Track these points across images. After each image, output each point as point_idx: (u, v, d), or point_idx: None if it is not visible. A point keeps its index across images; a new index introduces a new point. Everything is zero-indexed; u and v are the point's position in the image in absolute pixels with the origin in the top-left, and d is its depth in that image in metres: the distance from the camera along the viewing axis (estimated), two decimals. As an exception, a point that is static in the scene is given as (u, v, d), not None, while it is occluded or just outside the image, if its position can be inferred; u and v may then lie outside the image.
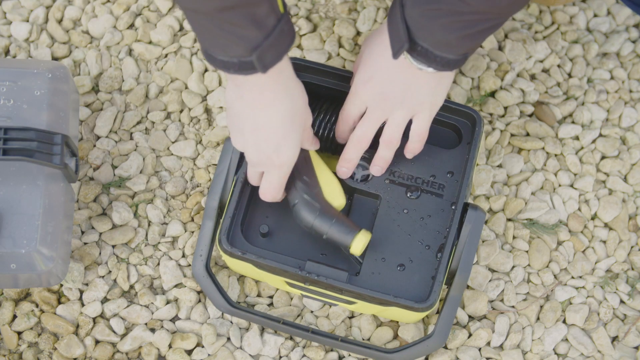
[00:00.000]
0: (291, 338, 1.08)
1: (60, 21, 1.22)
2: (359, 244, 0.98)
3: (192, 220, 1.12)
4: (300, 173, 0.99)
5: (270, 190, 0.97)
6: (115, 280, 1.09)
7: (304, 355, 1.07)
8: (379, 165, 1.03)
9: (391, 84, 0.95)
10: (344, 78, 1.05)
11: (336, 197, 1.01)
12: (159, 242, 1.11)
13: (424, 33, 0.87)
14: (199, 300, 1.09)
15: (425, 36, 0.87)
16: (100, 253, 1.10)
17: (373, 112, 0.98)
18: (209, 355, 1.06)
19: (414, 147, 1.02)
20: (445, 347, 1.08)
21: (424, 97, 0.96)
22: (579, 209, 1.15)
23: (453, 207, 1.03)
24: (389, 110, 0.97)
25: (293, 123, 0.91)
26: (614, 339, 1.10)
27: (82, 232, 1.11)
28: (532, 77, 1.21)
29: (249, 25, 0.80)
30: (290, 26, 0.85)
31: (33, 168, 0.98)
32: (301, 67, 1.06)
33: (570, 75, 1.21)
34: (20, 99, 1.00)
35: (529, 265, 1.12)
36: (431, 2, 0.85)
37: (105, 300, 1.09)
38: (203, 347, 1.07)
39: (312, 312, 1.09)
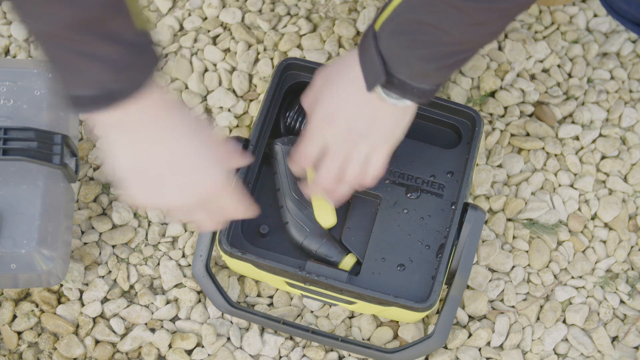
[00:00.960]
0: (291, 338, 1.08)
1: (60, 21, 1.22)
2: (344, 267, 1.01)
3: (192, 220, 1.12)
4: (292, 192, 1.01)
5: (239, 207, 0.89)
6: (115, 280, 1.09)
7: (304, 355, 1.07)
8: (338, 198, 0.97)
9: (357, 119, 0.90)
10: None
11: (327, 217, 1.02)
12: (159, 242, 1.11)
13: (401, 65, 0.83)
14: (199, 300, 1.09)
15: (403, 68, 0.83)
16: (100, 253, 1.10)
17: (336, 151, 0.92)
18: (209, 355, 1.06)
19: (369, 183, 0.96)
20: (445, 347, 1.08)
21: (387, 131, 0.91)
22: (579, 209, 1.15)
23: (453, 207, 1.03)
24: (353, 146, 0.91)
25: (207, 143, 0.82)
26: (614, 339, 1.10)
27: (82, 232, 1.11)
28: (532, 77, 1.21)
29: (104, 44, 0.71)
30: (152, 47, 0.75)
31: (33, 168, 0.98)
32: (301, 67, 1.06)
33: (570, 75, 1.21)
34: (21, 99, 1.00)
35: (529, 265, 1.12)
36: (410, 33, 0.81)
37: (105, 300, 1.09)
38: (203, 347, 1.07)
39: (312, 312, 1.09)
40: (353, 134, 0.90)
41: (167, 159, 0.78)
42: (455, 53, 0.81)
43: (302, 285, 1.00)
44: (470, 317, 1.10)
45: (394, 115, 0.90)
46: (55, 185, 1.00)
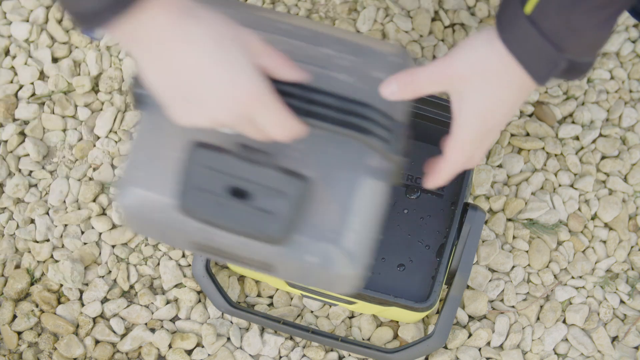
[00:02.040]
0: (291, 338, 1.08)
1: (60, 21, 1.22)
2: None
3: (192, 220, 1.12)
4: None
5: (279, 127, 0.74)
6: (115, 280, 1.09)
7: (304, 355, 1.07)
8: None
9: (509, 114, 0.80)
10: None
11: None
12: (158, 242, 1.11)
13: (573, 41, 0.72)
14: (199, 300, 1.09)
15: (574, 44, 0.72)
16: (100, 253, 1.10)
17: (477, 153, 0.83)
18: (209, 355, 1.06)
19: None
20: (445, 347, 1.08)
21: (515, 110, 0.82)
22: (579, 209, 1.15)
23: (453, 207, 1.03)
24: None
25: (230, 48, 0.69)
26: (614, 339, 1.10)
27: (82, 232, 1.11)
28: (532, 77, 1.21)
29: None
30: None
31: (356, 157, 0.83)
32: None
33: (570, 75, 1.21)
34: (362, 79, 0.84)
35: (529, 265, 1.12)
36: (581, 2, 0.70)
37: (105, 300, 1.09)
38: (203, 347, 1.07)
39: (312, 312, 1.09)
40: (498, 125, 0.80)
41: (188, 71, 0.69)
42: (617, 11, 0.72)
43: (302, 285, 1.00)
44: (470, 317, 1.10)
45: (530, 92, 0.81)
46: (373, 183, 0.85)
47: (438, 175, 0.82)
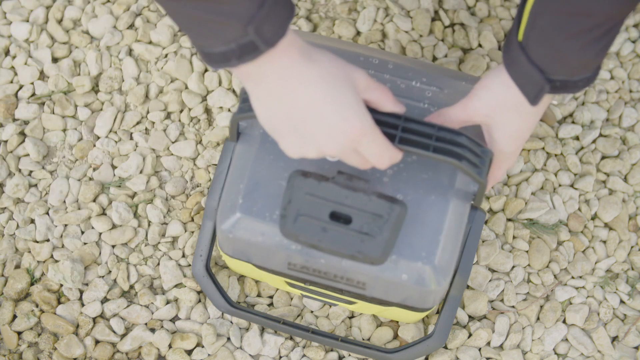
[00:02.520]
0: (291, 338, 1.08)
1: (60, 21, 1.22)
2: None
3: (192, 220, 1.12)
4: None
5: (381, 157, 0.83)
6: (115, 280, 1.09)
7: (304, 355, 1.07)
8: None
9: (526, 132, 0.90)
10: None
11: None
12: (158, 242, 1.11)
13: (559, 66, 0.80)
14: (199, 300, 1.09)
15: (561, 68, 0.80)
16: (100, 253, 1.10)
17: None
18: (209, 355, 1.06)
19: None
20: (445, 347, 1.08)
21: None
22: (579, 209, 1.15)
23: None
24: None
25: (338, 87, 0.78)
26: (614, 339, 1.10)
27: (82, 232, 1.11)
28: (532, 77, 1.21)
29: None
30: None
31: (444, 181, 0.92)
32: None
33: (570, 75, 1.21)
34: (444, 108, 0.93)
35: (529, 265, 1.12)
36: (560, 31, 0.76)
37: (105, 300, 1.09)
38: (203, 347, 1.07)
39: (312, 312, 1.09)
40: (520, 146, 0.92)
41: (303, 108, 0.77)
42: (606, 33, 0.77)
43: (302, 285, 1.00)
44: (470, 317, 1.10)
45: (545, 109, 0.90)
46: (461, 205, 0.93)
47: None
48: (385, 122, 0.84)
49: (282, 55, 0.75)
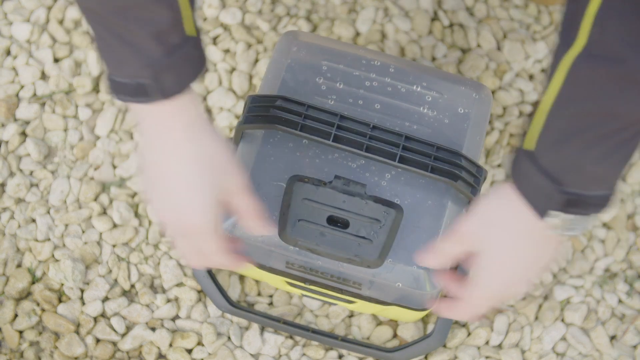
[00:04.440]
0: (291, 337, 1.08)
1: (61, 22, 1.22)
2: None
3: (193, 219, 1.13)
4: None
5: (209, 256, 0.82)
6: (115, 280, 1.10)
7: (303, 354, 1.07)
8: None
9: (535, 266, 0.79)
10: None
11: None
12: (159, 242, 1.12)
13: (573, 175, 0.70)
14: (199, 299, 1.09)
15: (575, 178, 0.70)
16: (100, 252, 1.11)
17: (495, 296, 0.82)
18: (209, 354, 1.07)
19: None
20: (445, 346, 1.08)
21: (549, 261, 0.80)
22: (578, 209, 1.15)
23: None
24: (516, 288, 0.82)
25: (203, 178, 0.76)
26: (613, 337, 1.10)
27: (83, 232, 1.11)
28: (531, 77, 1.21)
29: (147, 36, 0.70)
30: (198, 55, 0.74)
31: (441, 185, 0.92)
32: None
33: (569, 76, 1.22)
34: (444, 113, 0.95)
35: (527, 264, 1.12)
36: (578, 134, 0.68)
37: (106, 299, 1.09)
38: (203, 346, 1.07)
39: (311, 311, 1.10)
40: (521, 278, 0.80)
41: (162, 174, 0.76)
42: (628, 140, 0.68)
43: (302, 285, 1.01)
44: (470, 316, 1.10)
45: (559, 243, 0.79)
46: (457, 209, 0.93)
47: (451, 312, 0.85)
48: (380, 138, 0.87)
49: (172, 114, 0.74)
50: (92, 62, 1.19)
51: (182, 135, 0.75)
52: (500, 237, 0.76)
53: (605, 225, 1.15)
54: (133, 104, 0.74)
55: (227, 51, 1.21)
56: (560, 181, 0.70)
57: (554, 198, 0.70)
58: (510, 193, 0.74)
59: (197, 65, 0.74)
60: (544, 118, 0.70)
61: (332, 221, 0.88)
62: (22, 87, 1.18)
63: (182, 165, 0.75)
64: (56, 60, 1.20)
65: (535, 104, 0.71)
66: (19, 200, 1.13)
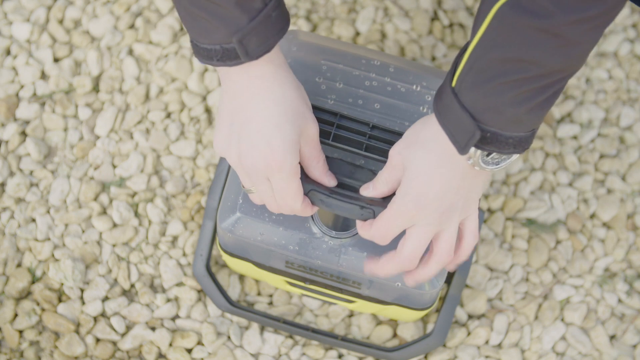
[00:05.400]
0: (291, 337, 1.08)
1: (61, 21, 1.22)
2: None
3: (193, 219, 1.13)
4: None
5: (285, 197, 0.84)
6: (115, 279, 1.10)
7: (303, 354, 1.07)
8: (420, 280, 0.87)
9: (449, 194, 0.80)
10: None
11: None
12: (159, 241, 1.12)
13: (491, 115, 0.73)
14: (199, 299, 1.09)
15: (494, 118, 0.73)
16: (100, 252, 1.11)
17: (425, 231, 0.82)
18: (209, 353, 1.07)
19: (464, 257, 0.87)
20: (444, 346, 1.08)
21: (478, 193, 0.82)
22: (578, 208, 1.15)
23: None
24: (445, 222, 0.82)
25: (286, 117, 0.80)
26: (612, 337, 1.10)
27: (83, 231, 1.11)
28: (531, 77, 1.21)
29: (229, 5, 0.74)
30: (280, 14, 0.77)
31: None
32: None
33: (568, 75, 1.22)
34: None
35: (527, 264, 1.12)
36: (496, 76, 0.71)
37: (105, 299, 1.09)
38: (203, 345, 1.07)
39: (311, 310, 1.10)
40: (445, 211, 0.81)
41: (247, 114, 0.81)
42: (546, 87, 0.72)
43: (302, 284, 1.01)
44: (469, 316, 1.10)
45: (485, 178, 0.82)
46: None
47: (368, 232, 0.86)
48: (379, 138, 0.88)
49: (256, 67, 0.78)
50: (92, 62, 1.19)
51: (267, 82, 0.80)
52: (420, 155, 0.79)
53: (605, 224, 1.15)
54: (219, 66, 0.78)
55: (227, 51, 1.21)
56: (479, 119, 0.74)
57: (472, 133, 0.74)
58: (435, 122, 0.78)
59: (279, 24, 0.77)
60: (466, 59, 0.74)
61: (342, 187, 0.87)
62: (22, 86, 1.18)
63: (269, 106, 0.80)
64: (56, 60, 1.20)
65: (466, 45, 0.74)
66: (19, 200, 1.13)
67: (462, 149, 0.75)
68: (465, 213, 0.82)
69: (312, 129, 0.83)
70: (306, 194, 0.86)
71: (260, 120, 0.80)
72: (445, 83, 0.76)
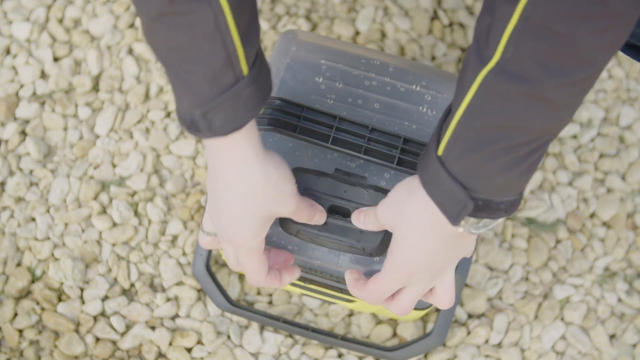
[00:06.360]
0: (291, 336, 1.08)
1: (61, 21, 1.22)
2: None
3: (192, 218, 1.13)
4: None
5: (247, 271, 0.85)
6: (115, 279, 1.10)
7: (303, 353, 1.07)
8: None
9: (438, 258, 0.80)
10: None
11: None
12: (159, 241, 1.12)
13: (482, 183, 0.72)
14: (199, 298, 1.09)
15: (484, 186, 0.72)
16: (100, 251, 1.11)
17: (420, 286, 0.83)
18: (209, 353, 1.07)
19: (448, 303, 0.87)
20: (444, 345, 1.08)
21: (463, 253, 0.82)
22: (578, 208, 1.15)
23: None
24: (440, 277, 0.83)
25: (255, 201, 0.79)
26: (612, 336, 1.10)
27: (83, 231, 1.11)
28: (531, 76, 1.21)
29: (198, 76, 0.70)
30: (255, 91, 0.73)
31: None
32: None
33: (568, 75, 1.22)
34: (442, 111, 0.94)
35: (527, 263, 1.13)
36: (486, 144, 0.70)
37: (105, 298, 1.09)
38: (203, 344, 1.07)
39: (311, 310, 1.10)
40: (438, 272, 0.81)
41: (221, 196, 0.80)
42: (535, 150, 0.71)
43: (301, 284, 1.01)
44: (469, 315, 1.10)
45: (473, 241, 0.82)
46: None
47: (361, 292, 0.86)
48: (378, 140, 0.89)
49: (229, 142, 0.75)
50: (92, 61, 1.19)
51: (240, 160, 0.76)
52: (406, 226, 0.78)
53: (605, 224, 1.15)
54: (190, 133, 0.76)
55: (226, 50, 1.21)
56: (470, 188, 0.72)
57: (464, 203, 0.72)
58: (422, 192, 0.76)
59: (253, 103, 0.73)
60: (453, 128, 0.72)
61: (334, 211, 0.88)
62: (22, 86, 1.19)
63: (240, 185, 0.78)
64: (56, 59, 1.20)
65: (448, 112, 0.72)
66: (19, 199, 1.13)
67: (454, 220, 0.73)
68: (450, 271, 0.83)
69: (288, 208, 0.82)
70: (295, 234, 0.88)
71: (230, 196, 0.79)
72: (430, 151, 0.74)
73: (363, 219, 0.86)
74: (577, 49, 0.64)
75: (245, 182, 0.78)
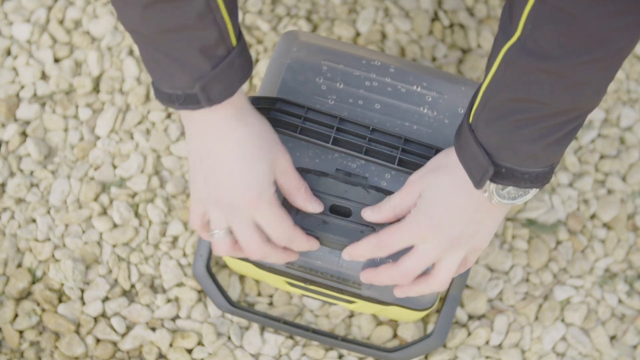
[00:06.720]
0: (291, 337, 1.08)
1: (61, 22, 1.22)
2: None
3: (193, 219, 1.13)
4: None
5: (277, 230, 0.84)
6: (116, 280, 1.10)
7: (304, 354, 1.07)
8: (409, 295, 0.89)
9: (463, 226, 0.81)
10: None
11: None
12: (159, 242, 1.12)
13: (506, 151, 0.75)
14: (200, 299, 1.09)
15: (508, 155, 0.75)
16: (101, 252, 1.11)
17: (428, 254, 0.83)
18: (209, 354, 1.07)
19: (445, 286, 0.87)
20: (445, 346, 1.08)
21: (491, 231, 0.83)
22: (578, 209, 1.15)
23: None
24: (450, 251, 0.83)
25: (253, 155, 0.81)
26: (613, 337, 1.10)
27: (83, 232, 1.11)
28: (531, 78, 1.21)
29: (193, 53, 0.74)
30: (243, 60, 0.78)
31: None
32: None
33: (569, 76, 1.22)
34: (444, 113, 0.95)
35: (528, 264, 1.13)
36: (508, 115, 0.73)
37: (106, 299, 1.09)
38: (203, 345, 1.07)
39: (311, 311, 1.10)
40: (454, 238, 0.82)
41: (215, 160, 0.81)
42: (563, 124, 0.73)
43: (302, 285, 1.01)
44: (470, 316, 1.10)
45: (501, 213, 0.83)
46: None
47: (390, 273, 0.87)
48: (379, 141, 0.89)
49: (218, 111, 0.79)
50: (92, 62, 1.19)
51: (230, 123, 0.80)
52: (442, 179, 0.81)
53: (606, 225, 1.15)
54: (181, 110, 0.79)
55: (227, 51, 1.21)
56: (493, 155, 0.76)
57: (485, 169, 0.76)
58: (455, 154, 0.81)
59: (243, 71, 0.78)
60: (480, 98, 0.76)
61: (335, 211, 0.88)
62: (22, 87, 1.19)
63: (235, 148, 0.80)
64: (56, 61, 1.20)
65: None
66: (20, 200, 1.13)
67: (478, 184, 0.77)
68: (474, 248, 0.84)
69: (283, 160, 0.84)
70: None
71: (229, 162, 0.81)
72: (464, 119, 0.79)
73: (377, 209, 0.86)
74: (589, 30, 0.65)
75: (243, 132, 0.80)
